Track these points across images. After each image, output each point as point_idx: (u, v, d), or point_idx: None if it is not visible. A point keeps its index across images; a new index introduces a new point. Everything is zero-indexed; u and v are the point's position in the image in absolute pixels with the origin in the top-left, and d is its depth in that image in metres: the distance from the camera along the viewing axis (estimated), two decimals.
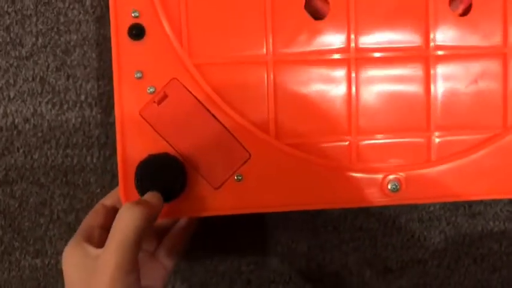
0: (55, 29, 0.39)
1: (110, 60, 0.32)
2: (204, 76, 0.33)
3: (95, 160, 0.40)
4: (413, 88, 0.34)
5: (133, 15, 0.32)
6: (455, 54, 0.34)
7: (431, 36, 0.34)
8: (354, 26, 0.33)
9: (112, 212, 0.33)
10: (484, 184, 0.34)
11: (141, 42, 0.32)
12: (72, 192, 0.40)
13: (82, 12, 0.39)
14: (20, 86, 0.39)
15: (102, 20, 0.39)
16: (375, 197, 0.34)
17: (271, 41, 0.33)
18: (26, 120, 0.39)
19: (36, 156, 0.39)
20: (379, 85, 0.34)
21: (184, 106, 0.33)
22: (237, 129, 0.33)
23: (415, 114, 0.34)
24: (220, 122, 0.33)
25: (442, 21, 0.34)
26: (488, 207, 0.42)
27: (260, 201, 0.33)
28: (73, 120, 0.39)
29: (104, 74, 0.39)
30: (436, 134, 0.34)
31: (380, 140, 0.34)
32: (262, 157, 0.33)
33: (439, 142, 0.34)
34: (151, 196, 0.31)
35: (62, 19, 0.39)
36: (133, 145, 0.33)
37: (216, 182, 0.33)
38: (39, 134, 0.39)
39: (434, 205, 0.42)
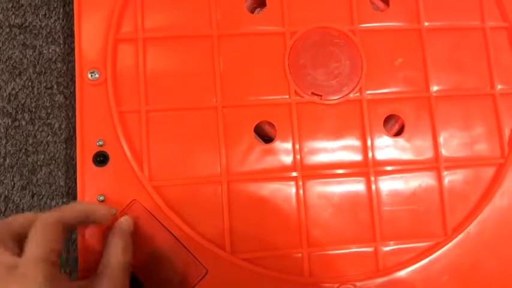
0: (23, 150, 0.39)
1: (76, 178, 0.33)
2: (162, 196, 0.34)
3: None
4: (358, 200, 0.36)
5: (98, 144, 0.34)
6: (393, 169, 0.36)
7: (370, 153, 0.36)
8: (299, 146, 0.36)
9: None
10: None
11: (105, 168, 0.34)
12: None
13: (50, 134, 0.40)
14: None
15: (70, 141, 0.40)
16: None
17: (225, 162, 0.35)
18: None
19: None
20: (326, 199, 0.36)
21: (144, 225, 0.33)
22: (194, 245, 0.34)
23: (362, 225, 0.36)
24: (178, 240, 0.33)
25: (378, 140, 0.37)
26: None
27: None
28: None
29: (70, 192, 0.39)
30: (383, 243, 0.35)
31: (331, 251, 0.35)
32: (218, 272, 0.33)
33: (386, 251, 0.35)
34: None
35: (30, 140, 0.39)
36: (94, 262, 0.32)
37: None
38: None
39: None
